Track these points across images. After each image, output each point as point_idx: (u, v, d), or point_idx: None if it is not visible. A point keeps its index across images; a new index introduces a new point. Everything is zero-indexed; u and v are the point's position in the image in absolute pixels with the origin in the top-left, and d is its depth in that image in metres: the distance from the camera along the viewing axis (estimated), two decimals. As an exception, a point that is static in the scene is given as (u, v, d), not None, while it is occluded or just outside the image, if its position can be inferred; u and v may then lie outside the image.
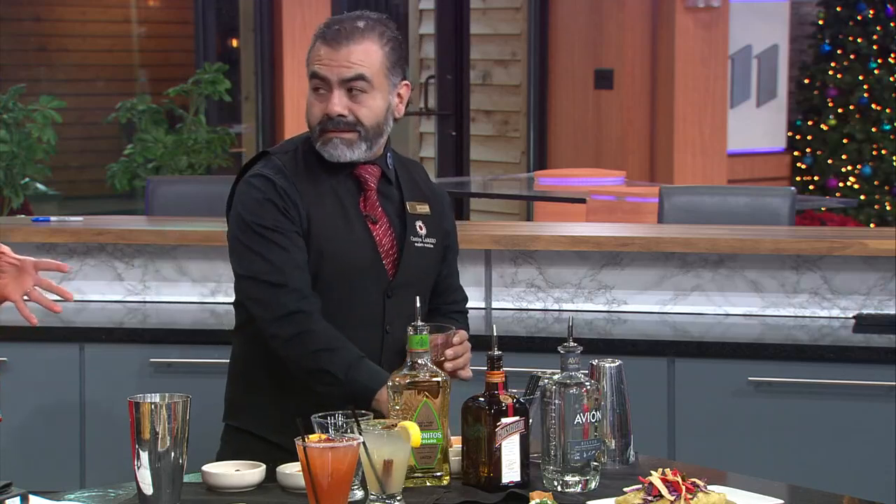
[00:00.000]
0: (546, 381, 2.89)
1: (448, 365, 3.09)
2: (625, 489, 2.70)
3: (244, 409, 3.28)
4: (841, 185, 10.76)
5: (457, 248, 3.41)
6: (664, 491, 2.60)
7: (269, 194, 3.14)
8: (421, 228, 3.23)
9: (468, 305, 3.48)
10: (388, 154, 3.25)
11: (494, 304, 4.93)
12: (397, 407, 2.85)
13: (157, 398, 2.70)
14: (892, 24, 10.65)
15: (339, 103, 3.12)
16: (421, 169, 3.36)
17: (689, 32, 9.56)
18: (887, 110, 10.64)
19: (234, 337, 3.34)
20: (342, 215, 3.17)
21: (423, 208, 3.26)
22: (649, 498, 2.61)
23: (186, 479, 2.78)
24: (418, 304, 2.91)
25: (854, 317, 4.70)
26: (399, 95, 3.21)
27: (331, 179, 3.19)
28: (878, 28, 10.68)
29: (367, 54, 3.12)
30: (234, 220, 3.18)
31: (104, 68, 10.68)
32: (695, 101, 9.63)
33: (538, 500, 2.67)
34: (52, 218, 5.18)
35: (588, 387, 2.85)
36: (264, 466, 2.89)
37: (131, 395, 2.73)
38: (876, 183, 10.70)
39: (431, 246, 3.25)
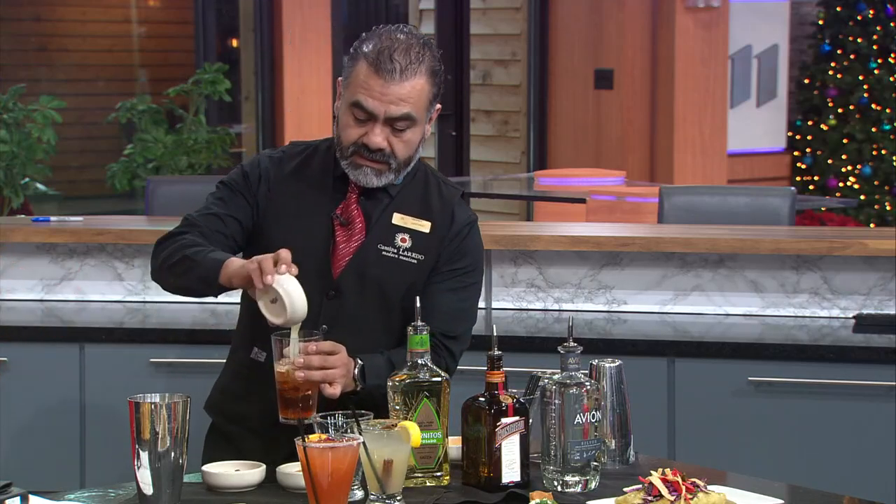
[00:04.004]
0: (546, 381, 2.89)
1: (298, 374, 2.91)
2: (625, 489, 2.70)
3: (216, 399, 3.32)
4: (841, 185, 10.77)
5: (465, 281, 3.23)
6: (664, 491, 2.60)
7: (247, 163, 3.25)
8: (403, 241, 3.18)
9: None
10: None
11: (494, 304, 4.93)
12: (397, 407, 2.86)
13: (157, 398, 2.70)
14: (892, 24, 10.66)
15: (380, 136, 3.10)
16: (452, 191, 3.27)
17: (689, 32, 9.56)
18: (887, 110, 10.65)
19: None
20: (309, 210, 3.18)
21: (419, 224, 3.20)
22: (649, 498, 2.61)
23: (186, 479, 2.78)
24: (418, 304, 2.91)
25: (854, 317, 4.70)
26: (430, 119, 3.20)
27: (320, 177, 3.20)
28: (878, 28, 10.69)
29: (416, 92, 3.09)
30: None
31: (104, 68, 10.68)
32: (695, 101, 9.63)
33: (538, 500, 2.67)
34: (52, 218, 5.18)
35: (588, 387, 2.85)
36: (264, 466, 2.89)
37: (131, 395, 2.73)
38: (876, 183, 10.71)
39: (414, 262, 3.18)
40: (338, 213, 3.18)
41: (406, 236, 3.19)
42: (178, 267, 3.10)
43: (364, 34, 3.15)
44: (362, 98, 3.08)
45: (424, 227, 3.20)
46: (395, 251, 3.17)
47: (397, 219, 3.19)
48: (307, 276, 3.10)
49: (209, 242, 3.13)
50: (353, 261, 3.16)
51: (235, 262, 2.97)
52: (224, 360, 3.37)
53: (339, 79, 3.19)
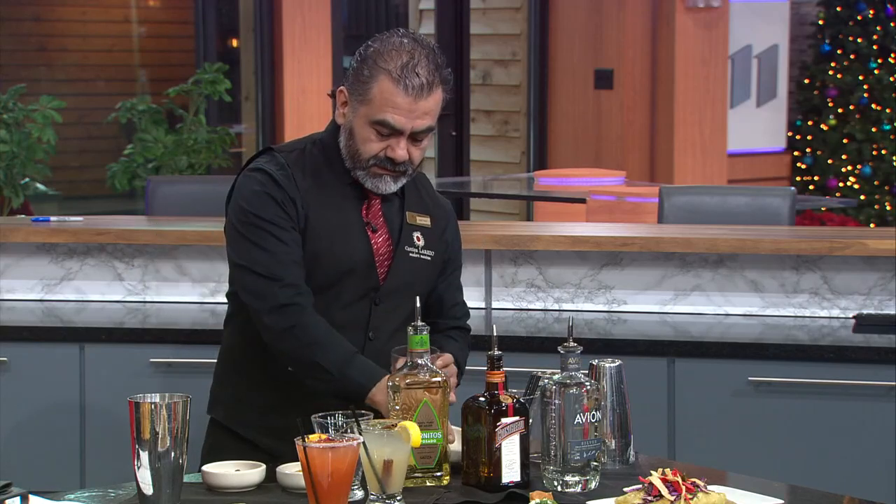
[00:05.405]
0: (546, 381, 2.89)
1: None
2: (625, 489, 2.70)
3: (222, 401, 3.31)
4: (841, 185, 10.76)
5: (459, 263, 3.36)
6: (664, 491, 2.60)
7: (269, 188, 3.13)
8: (419, 240, 3.21)
9: (470, 316, 3.41)
10: None
11: (494, 304, 4.93)
12: (397, 407, 2.85)
13: (157, 398, 2.70)
14: (892, 24, 10.66)
15: (404, 150, 3.11)
16: (426, 181, 3.34)
17: (689, 32, 9.56)
18: (887, 110, 10.64)
19: (225, 327, 3.34)
20: (341, 219, 3.16)
21: (424, 220, 3.24)
22: (649, 498, 2.61)
23: (186, 479, 2.78)
24: (418, 304, 2.91)
25: (854, 317, 4.70)
26: None
27: (335, 184, 3.18)
28: (878, 28, 10.69)
29: (437, 104, 3.12)
30: (233, 211, 3.17)
31: (104, 68, 10.67)
32: (695, 101, 9.63)
33: (538, 500, 2.67)
34: (52, 218, 5.18)
35: (588, 387, 2.85)
36: (264, 466, 2.89)
37: (131, 395, 2.73)
38: (876, 183, 10.71)
39: (429, 258, 3.22)
40: (368, 219, 3.18)
41: (419, 234, 3.23)
42: (314, 371, 3.08)
43: (369, 43, 3.12)
44: (390, 117, 3.07)
45: (427, 221, 3.26)
46: (416, 251, 3.21)
47: (409, 218, 3.23)
48: (357, 287, 3.13)
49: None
50: (392, 266, 3.18)
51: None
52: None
53: (342, 88, 3.15)
